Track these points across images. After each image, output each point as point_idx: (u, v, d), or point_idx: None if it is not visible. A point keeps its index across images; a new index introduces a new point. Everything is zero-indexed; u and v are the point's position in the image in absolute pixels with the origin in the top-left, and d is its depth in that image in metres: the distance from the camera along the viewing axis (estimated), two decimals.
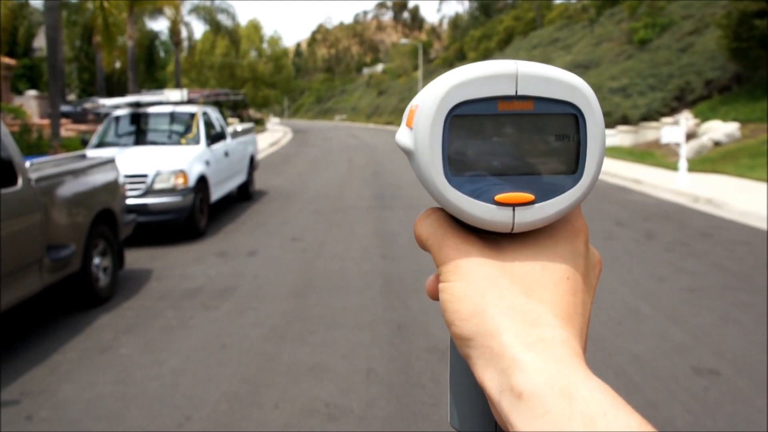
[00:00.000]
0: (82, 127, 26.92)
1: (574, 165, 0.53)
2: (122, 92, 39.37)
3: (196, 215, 9.61)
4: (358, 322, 5.78)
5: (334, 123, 79.00)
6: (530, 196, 0.52)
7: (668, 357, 5.00)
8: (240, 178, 12.77)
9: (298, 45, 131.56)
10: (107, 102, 11.52)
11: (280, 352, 5.14)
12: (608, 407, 0.43)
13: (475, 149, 0.53)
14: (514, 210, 0.53)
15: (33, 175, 5.70)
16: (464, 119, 0.52)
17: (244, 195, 13.32)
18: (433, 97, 0.52)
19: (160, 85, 51.26)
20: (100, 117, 12.93)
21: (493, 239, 0.55)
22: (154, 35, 47.76)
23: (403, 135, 0.57)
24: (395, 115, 63.74)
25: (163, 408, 4.25)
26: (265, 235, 9.94)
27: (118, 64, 28.99)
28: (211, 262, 8.22)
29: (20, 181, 5.43)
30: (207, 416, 4.12)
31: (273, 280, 7.30)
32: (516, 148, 0.53)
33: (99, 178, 6.91)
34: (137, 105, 11.17)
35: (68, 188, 6.20)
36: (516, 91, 0.51)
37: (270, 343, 5.36)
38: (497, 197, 0.52)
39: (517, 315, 0.49)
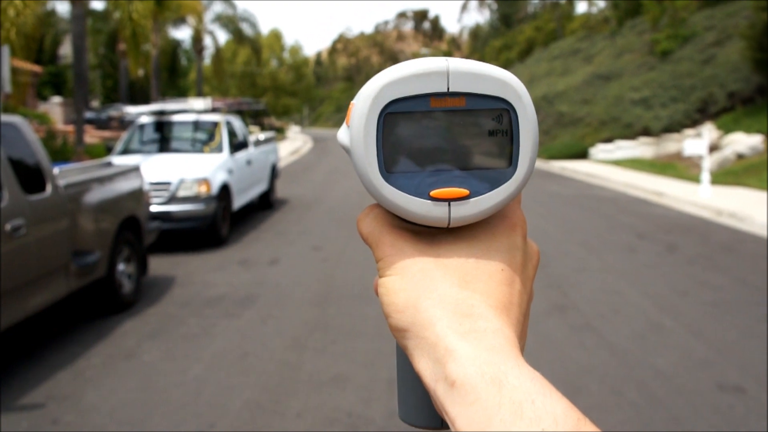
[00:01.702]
0: (106, 133, 27.18)
1: (508, 159, 0.54)
2: (145, 99, 39.79)
3: (219, 223, 9.68)
4: (379, 331, 5.79)
5: None
6: (465, 191, 0.53)
7: (692, 372, 4.97)
8: (262, 187, 12.84)
9: (319, 54, 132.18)
10: (132, 110, 11.64)
11: (301, 361, 5.16)
12: (536, 394, 0.44)
13: (410, 146, 0.53)
14: (449, 205, 0.53)
15: (61, 182, 5.77)
16: (397, 116, 0.53)
17: (265, 203, 13.39)
18: (366, 96, 0.53)
19: (181, 92, 51.69)
20: (123, 124, 13.09)
21: (430, 233, 0.56)
22: (176, 44, 48.21)
23: (342, 133, 0.57)
24: None
25: (186, 416, 4.29)
26: (286, 243, 9.99)
27: (141, 72, 29.30)
28: (233, 270, 8.27)
29: (49, 188, 5.51)
30: (230, 424, 4.15)
31: (294, 289, 7.33)
32: (450, 144, 0.54)
33: (124, 185, 6.98)
34: (162, 113, 11.29)
35: (95, 195, 6.28)
36: (448, 88, 0.52)
37: (292, 351, 5.38)
38: (433, 193, 0.53)
39: (450, 305, 0.50)
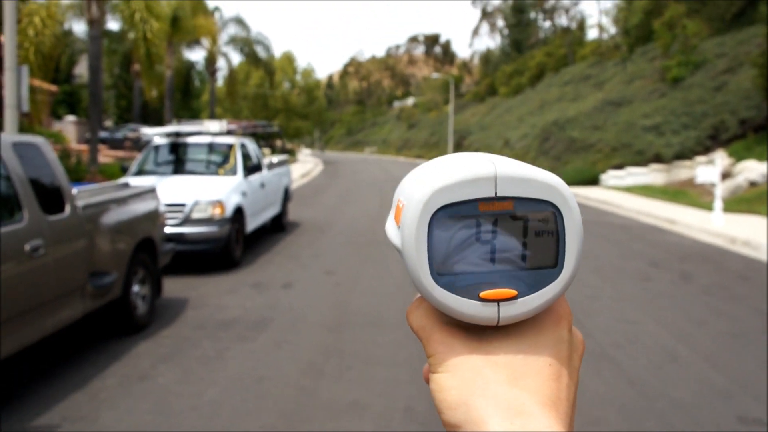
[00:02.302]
0: (119, 153, 27.34)
1: (555, 259, 0.56)
2: (157, 120, 40.06)
3: (232, 245, 9.68)
4: (395, 358, 5.76)
5: (364, 155, 79.41)
6: (513, 292, 0.55)
7: (711, 404, 4.91)
8: (274, 210, 12.86)
9: (330, 77, 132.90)
10: (149, 131, 11.70)
11: (317, 388, 5.13)
12: None
13: (459, 248, 0.55)
14: (498, 305, 0.55)
15: (79, 203, 5.80)
16: (447, 220, 0.54)
17: (277, 226, 13.39)
18: (417, 201, 0.54)
19: (194, 113, 52.01)
20: (138, 144, 13.17)
21: (479, 328, 0.57)
22: (190, 65, 48.61)
23: (391, 230, 0.60)
24: (425, 149, 63.87)
25: None
26: (299, 267, 9.97)
27: (154, 93, 29.57)
28: (246, 293, 8.26)
29: (68, 208, 5.53)
30: None
31: (308, 314, 7.31)
32: (498, 245, 0.55)
33: (141, 206, 7.00)
34: (177, 135, 11.34)
35: (112, 216, 6.30)
36: (495, 193, 0.54)
37: (307, 377, 5.36)
38: (482, 294, 0.55)
39: (501, 404, 0.51)
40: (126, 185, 7.63)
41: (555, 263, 0.56)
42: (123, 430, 4.40)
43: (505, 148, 41.36)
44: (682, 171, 24.28)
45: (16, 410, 4.66)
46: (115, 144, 31.44)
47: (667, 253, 11.52)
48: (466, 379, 0.53)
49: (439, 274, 0.54)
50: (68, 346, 6.14)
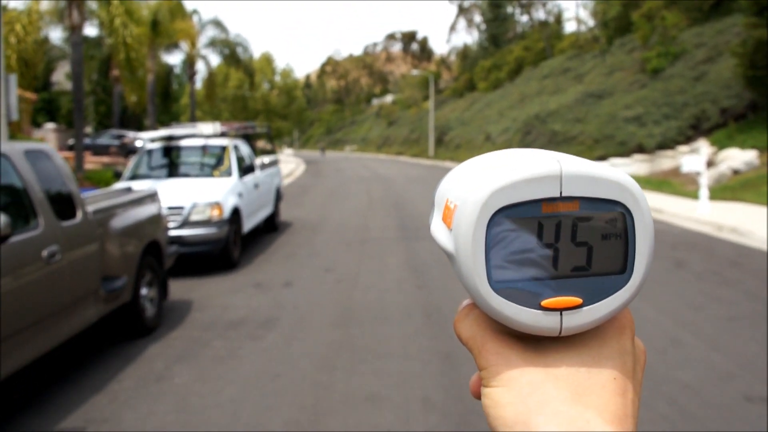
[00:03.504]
0: (104, 159, 27.23)
1: (623, 264, 0.51)
2: (138, 125, 39.91)
3: (231, 246, 9.74)
4: (406, 351, 5.87)
5: (345, 154, 79.44)
6: (578, 300, 0.51)
7: (718, 385, 5.06)
8: (268, 210, 12.91)
9: (308, 77, 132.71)
10: (143, 135, 11.72)
11: (333, 382, 5.23)
12: None
13: (519, 253, 0.50)
14: (561, 314, 0.51)
15: (89, 208, 5.85)
16: (507, 223, 0.50)
17: (270, 226, 13.45)
18: (473, 202, 0.50)
19: (173, 117, 51.80)
20: (125, 150, 13.17)
21: (535, 339, 0.53)
22: (169, 69, 48.39)
23: (441, 233, 0.55)
24: (406, 146, 64.03)
25: None
26: (297, 266, 10.05)
27: (134, 98, 29.46)
28: (249, 292, 8.33)
29: (79, 214, 5.59)
30: None
31: (313, 311, 7.40)
32: (561, 250, 0.51)
33: (145, 210, 7.06)
34: (171, 138, 11.36)
35: (120, 221, 6.35)
36: (560, 193, 0.50)
37: (322, 372, 5.45)
38: (544, 302, 0.50)
39: (564, 422, 0.47)
40: (129, 190, 7.67)
41: (623, 269, 0.51)
42: (150, 430, 4.47)
43: (486, 142, 41.59)
44: (664, 161, 24.59)
45: (37, 415, 4.72)
46: (98, 150, 31.32)
47: (658, 242, 11.70)
48: (524, 394, 0.49)
49: (497, 281, 0.50)
50: (79, 351, 6.19)
